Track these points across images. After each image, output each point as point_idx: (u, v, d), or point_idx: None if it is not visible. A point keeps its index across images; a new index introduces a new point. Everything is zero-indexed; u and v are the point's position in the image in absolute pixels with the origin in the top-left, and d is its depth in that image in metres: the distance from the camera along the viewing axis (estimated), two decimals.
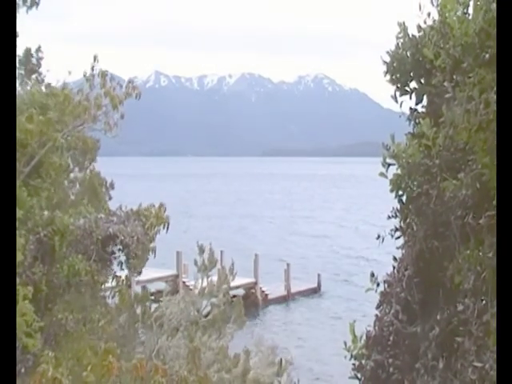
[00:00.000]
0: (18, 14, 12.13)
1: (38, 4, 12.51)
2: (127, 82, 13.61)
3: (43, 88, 14.22)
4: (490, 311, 4.86)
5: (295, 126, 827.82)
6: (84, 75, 13.50)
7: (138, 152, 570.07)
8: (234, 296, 36.98)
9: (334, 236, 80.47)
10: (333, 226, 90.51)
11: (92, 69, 13.41)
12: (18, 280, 9.07)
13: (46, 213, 12.12)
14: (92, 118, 13.36)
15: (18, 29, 13.28)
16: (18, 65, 14.92)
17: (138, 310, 13.58)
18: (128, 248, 12.87)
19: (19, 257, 9.14)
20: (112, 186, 15.43)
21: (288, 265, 49.71)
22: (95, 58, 13.47)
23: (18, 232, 10.03)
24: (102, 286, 13.13)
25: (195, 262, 13.99)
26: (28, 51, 15.20)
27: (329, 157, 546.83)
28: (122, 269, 13.35)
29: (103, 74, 13.27)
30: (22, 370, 10.15)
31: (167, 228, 13.78)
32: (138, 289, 38.40)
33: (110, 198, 15.18)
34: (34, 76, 15.25)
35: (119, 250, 13.07)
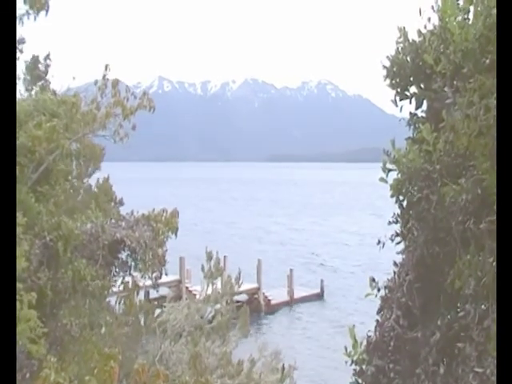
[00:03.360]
0: (26, 21, 12.23)
1: (47, 11, 12.58)
2: (142, 94, 13.66)
3: (49, 94, 14.27)
4: (490, 316, 4.86)
5: (298, 132, 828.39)
6: (95, 83, 13.56)
7: (141, 157, 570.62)
8: (238, 301, 36.94)
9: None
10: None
11: (103, 78, 13.48)
12: (22, 285, 9.09)
13: (53, 219, 12.14)
14: (102, 126, 13.43)
15: (26, 35, 13.39)
16: (25, 71, 14.99)
17: (142, 319, 13.56)
18: (135, 253, 12.86)
19: (24, 262, 9.16)
20: (121, 202, 15.48)
21: (291, 270, 49.66)
22: (107, 67, 13.54)
23: (24, 237, 10.06)
24: (109, 292, 13.12)
25: (202, 268, 13.99)
26: (36, 58, 15.27)
27: (332, 162, 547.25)
28: (129, 274, 13.34)
29: (114, 84, 13.33)
30: (27, 375, 10.17)
31: (176, 234, 13.76)
32: (140, 294, 38.56)
33: (118, 210, 15.21)
34: (40, 83, 15.31)
35: (128, 255, 13.07)
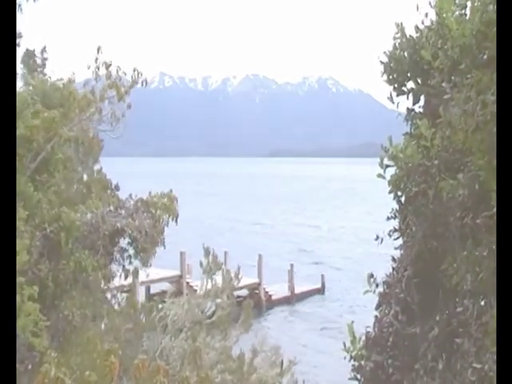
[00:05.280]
0: (25, 6, 12.15)
1: None
2: (132, 71, 13.54)
3: (48, 84, 14.24)
4: (489, 312, 4.86)
5: (299, 127, 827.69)
6: (88, 67, 13.48)
7: (141, 152, 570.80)
8: (239, 297, 36.88)
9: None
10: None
11: (96, 61, 13.38)
12: (24, 278, 9.09)
13: (53, 210, 12.11)
14: (98, 110, 13.34)
15: (23, 28, 13.31)
16: (21, 65, 14.96)
17: (143, 316, 13.57)
18: (136, 242, 12.85)
19: (25, 255, 9.16)
20: (117, 187, 15.48)
21: (291, 265, 49.63)
22: (99, 50, 13.43)
23: (24, 228, 10.06)
24: (110, 281, 13.13)
25: (200, 264, 13.99)
26: (32, 52, 15.24)
27: (333, 157, 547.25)
28: (130, 262, 13.33)
29: (107, 66, 13.26)
30: (29, 367, 10.18)
31: (176, 220, 13.68)
32: (141, 289, 38.55)
33: (114, 197, 15.21)
34: (39, 76, 15.28)
35: (128, 243, 13.05)
